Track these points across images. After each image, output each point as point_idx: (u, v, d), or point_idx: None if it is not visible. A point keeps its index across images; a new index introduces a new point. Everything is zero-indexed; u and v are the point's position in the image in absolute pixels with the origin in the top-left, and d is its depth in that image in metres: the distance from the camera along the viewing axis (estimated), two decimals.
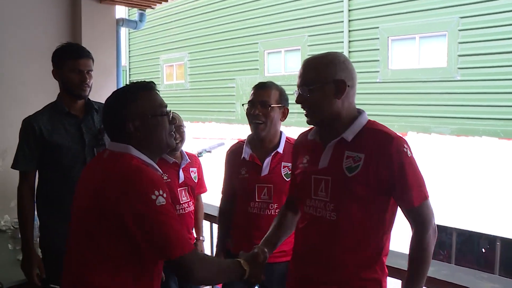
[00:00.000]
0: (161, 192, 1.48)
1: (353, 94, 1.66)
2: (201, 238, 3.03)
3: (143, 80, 1.68)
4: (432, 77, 8.45)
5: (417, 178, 1.59)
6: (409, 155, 1.57)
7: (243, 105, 2.44)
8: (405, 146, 1.57)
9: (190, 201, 2.85)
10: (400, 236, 2.03)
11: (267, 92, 2.33)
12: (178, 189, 2.79)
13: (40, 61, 3.91)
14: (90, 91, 2.52)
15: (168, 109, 1.67)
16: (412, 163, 1.58)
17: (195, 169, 2.93)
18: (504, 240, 7.80)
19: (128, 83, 1.76)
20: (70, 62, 2.45)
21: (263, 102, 2.31)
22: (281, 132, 2.44)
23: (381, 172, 1.55)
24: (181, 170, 2.81)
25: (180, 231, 1.53)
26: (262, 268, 1.80)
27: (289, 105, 2.41)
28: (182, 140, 2.83)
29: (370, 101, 8.57)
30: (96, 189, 1.54)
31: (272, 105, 2.30)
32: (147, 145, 1.61)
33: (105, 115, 1.65)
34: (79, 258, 1.57)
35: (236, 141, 2.66)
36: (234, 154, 2.50)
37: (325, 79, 1.61)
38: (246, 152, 2.42)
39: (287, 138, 2.44)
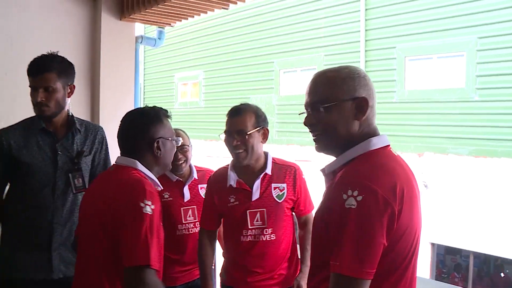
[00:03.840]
0: (150, 203, 1.59)
1: (373, 115, 1.40)
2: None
3: (160, 107, 1.92)
4: (450, 98, 8.36)
5: None
6: None
7: (219, 135, 2.37)
8: None
9: (198, 221, 2.65)
10: None
11: (242, 119, 2.26)
12: (183, 208, 2.63)
13: None
14: (58, 109, 2.29)
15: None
16: None
17: (206, 184, 2.73)
18: None
19: (143, 100, 1.91)
20: (29, 79, 2.29)
21: (240, 131, 2.24)
22: (266, 153, 2.36)
23: None
24: (186, 188, 2.66)
25: (152, 245, 1.55)
26: None
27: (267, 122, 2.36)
28: (186, 160, 2.68)
29: (387, 121, 8.48)
30: (98, 202, 1.70)
31: (249, 132, 2.22)
32: (158, 163, 1.82)
33: (129, 129, 1.83)
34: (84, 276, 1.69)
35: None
36: (219, 182, 2.39)
37: (343, 96, 1.35)
38: (232, 179, 2.33)
39: (273, 159, 2.36)
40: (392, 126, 8.47)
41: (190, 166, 2.73)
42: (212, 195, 2.41)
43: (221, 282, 2.47)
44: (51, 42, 3.87)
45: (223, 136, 2.33)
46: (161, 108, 1.92)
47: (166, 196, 2.60)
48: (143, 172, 1.76)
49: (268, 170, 2.30)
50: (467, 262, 8.43)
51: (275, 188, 2.28)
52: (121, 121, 1.89)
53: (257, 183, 2.29)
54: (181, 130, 2.72)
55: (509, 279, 8.03)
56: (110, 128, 4.03)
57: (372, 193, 1.20)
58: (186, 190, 2.66)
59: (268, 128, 2.34)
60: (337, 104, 1.35)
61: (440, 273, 8.74)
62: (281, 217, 2.27)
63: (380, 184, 1.21)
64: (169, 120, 1.91)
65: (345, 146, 1.36)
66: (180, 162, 2.62)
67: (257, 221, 2.27)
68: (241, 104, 2.36)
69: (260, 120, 2.29)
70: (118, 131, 1.87)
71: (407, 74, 9.06)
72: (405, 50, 9.02)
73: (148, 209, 1.58)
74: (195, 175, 2.71)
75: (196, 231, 2.62)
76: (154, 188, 1.72)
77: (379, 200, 1.19)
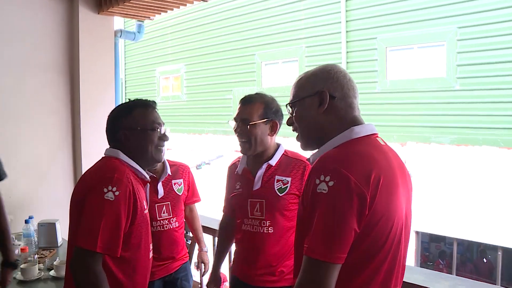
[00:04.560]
0: (115, 189, 1.61)
1: (347, 106, 1.40)
2: (204, 249, 2.93)
3: (146, 99, 1.91)
4: (431, 87, 8.43)
5: None
6: None
7: (228, 121, 2.34)
8: None
9: (172, 217, 2.66)
10: None
11: (249, 108, 2.21)
12: (157, 204, 2.60)
13: (38, 75, 3.86)
14: None
15: (163, 127, 1.89)
16: None
17: (181, 180, 2.75)
18: (506, 250, 7.75)
19: (124, 95, 1.91)
20: None
21: (244, 120, 2.20)
22: (278, 145, 2.32)
23: None
24: (160, 185, 2.62)
25: (103, 230, 1.57)
26: None
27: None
28: None
29: (369, 111, 8.52)
30: (76, 188, 1.77)
31: (252, 122, 2.18)
32: (135, 154, 1.82)
33: (107, 124, 1.90)
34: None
35: (235, 153, 2.58)
36: (232, 169, 2.41)
37: (304, 92, 1.42)
38: (240, 167, 2.33)
39: (285, 151, 2.32)
40: (375, 116, 8.51)
41: (163, 161, 2.64)
42: (227, 181, 2.45)
43: (230, 272, 2.51)
44: (28, 37, 3.80)
45: (232, 122, 2.27)
46: (141, 99, 1.91)
47: None
48: (125, 161, 1.79)
49: (273, 162, 2.25)
50: (451, 249, 8.55)
51: (278, 180, 2.22)
52: None
53: (260, 173, 2.25)
54: None
55: (492, 264, 8.17)
56: (91, 123, 4.00)
57: (343, 178, 1.21)
58: (160, 186, 2.62)
59: (277, 121, 2.25)
60: (300, 101, 1.43)
61: (424, 260, 8.85)
62: (281, 211, 2.21)
63: (353, 170, 1.22)
64: (150, 109, 1.88)
65: (321, 140, 1.40)
66: None
67: (256, 211, 2.24)
68: (255, 93, 2.29)
69: (269, 112, 2.22)
70: None
71: (388, 64, 9.10)
72: (386, 40, 9.05)
73: (110, 195, 1.61)
74: (168, 171, 2.65)
75: (171, 227, 2.65)
76: (129, 177, 1.72)
77: (351, 186, 1.20)
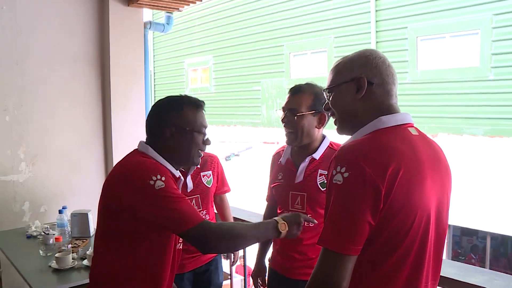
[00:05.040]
0: (159, 176, 1.58)
1: (384, 93, 1.37)
2: None
3: (196, 98, 1.84)
4: (464, 77, 8.23)
5: None
6: None
7: (276, 110, 2.31)
8: None
9: (202, 210, 2.63)
10: None
11: (297, 98, 2.15)
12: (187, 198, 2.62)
13: (68, 66, 3.91)
14: None
15: (207, 132, 1.83)
16: None
17: (209, 172, 2.70)
18: None
19: (153, 87, 1.85)
20: None
21: (291, 110, 2.15)
22: (324, 137, 2.26)
23: None
24: (189, 178, 2.58)
25: (184, 207, 1.59)
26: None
27: None
28: None
29: (399, 102, 8.33)
30: (106, 185, 1.71)
31: (300, 113, 2.12)
32: (173, 153, 1.75)
33: (150, 115, 1.81)
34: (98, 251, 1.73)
35: (261, 145, 2.55)
36: (276, 158, 2.38)
37: (342, 78, 1.39)
38: (284, 157, 2.29)
39: (330, 143, 2.26)
40: (405, 107, 8.31)
41: None
42: (270, 170, 2.42)
43: (269, 265, 2.46)
44: (59, 30, 3.86)
45: (280, 112, 2.22)
46: (191, 97, 1.83)
47: None
48: (153, 158, 1.72)
49: (317, 155, 2.19)
50: (483, 243, 8.37)
51: (321, 174, 2.17)
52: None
53: (303, 165, 2.20)
54: None
55: None
56: (121, 115, 4.05)
57: (358, 170, 1.19)
58: (189, 180, 2.58)
59: (326, 113, 2.17)
60: (336, 86, 1.40)
61: (456, 254, 8.69)
62: (322, 205, 2.18)
63: (369, 161, 1.19)
64: (200, 110, 1.81)
65: (355, 126, 1.37)
66: None
67: (297, 204, 2.21)
68: (305, 83, 2.22)
69: (319, 103, 2.13)
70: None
71: (419, 54, 8.92)
72: (417, 30, 8.87)
73: (159, 183, 1.58)
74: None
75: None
76: (156, 163, 1.68)
77: (365, 177, 1.18)
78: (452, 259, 8.48)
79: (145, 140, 1.80)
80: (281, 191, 2.29)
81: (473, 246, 8.61)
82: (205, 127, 1.82)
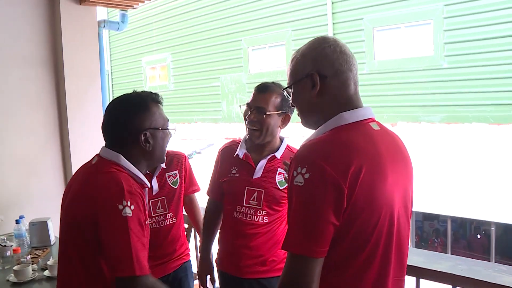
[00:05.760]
0: (129, 203, 1.47)
1: (340, 85, 1.32)
2: None
3: (149, 91, 1.73)
4: (419, 66, 8.41)
5: None
6: None
7: (240, 106, 2.29)
8: None
9: (168, 212, 2.49)
10: None
11: (266, 97, 2.15)
12: (151, 200, 2.45)
13: (20, 69, 3.76)
14: None
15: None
16: None
17: (175, 171, 2.56)
18: (498, 225, 7.83)
19: (111, 86, 1.74)
20: None
21: (260, 109, 2.14)
22: (282, 138, 2.28)
23: None
24: (154, 180, 2.46)
25: (139, 251, 1.47)
26: None
27: None
28: None
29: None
30: (73, 196, 1.60)
31: (268, 113, 2.13)
32: (147, 157, 1.67)
33: (110, 122, 1.66)
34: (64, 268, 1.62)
35: (225, 140, 2.52)
36: (227, 152, 2.34)
37: (297, 75, 1.37)
38: (241, 151, 2.26)
39: (287, 145, 2.28)
40: (364, 98, 8.28)
41: None
42: (217, 164, 2.37)
43: (217, 268, 2.40)
44: (8, 30, 3.70)
45: (243, 107, 2.22)
46: (150, 92, 1.73)
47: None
48: (126, 168, 1.61)
49: (278, 154, 2.21)
50: (444, 226, 8.61)
51: (280, 173, 2.19)
52: (105, 111, 1.71)
53: (263, 162, 2.21)
54: None
55: (485, 240, 8.24)
56: (78, 117, 3.93)
57: (319, 170, 1.16)
58: (154, 182, 2.46)
59: (290, 114, 2.20)
60: (294, 84, 1.38)
61: (419, 239, 8.92)
62: (278, 202, 2.19)
63: (330, 161, 1.17)
64: (160, 105, 1.73)
65: (318, 121, 1.34)
66: None
67: (253, 200, 2.20)
68: (272, 82, 2.21)
69: (285, 104, 2.15)
70: (102, 123, 1.69)
71: (376, 44, 9.06)
72: (372, 21, 9.00)
73: (128, 211, 1.47)
74: (162, 164, 2.46)
75: (167, 223, 2.49)
76: (134, 186, 1.56)
77: (327, 177, 1.15)
78: (415, 245, 8.70)
79: (107, 146, 1.67)
80: (235, 186, 2.26)
81: (435, 230, 8.85)
82: (168, 120, 1.76)
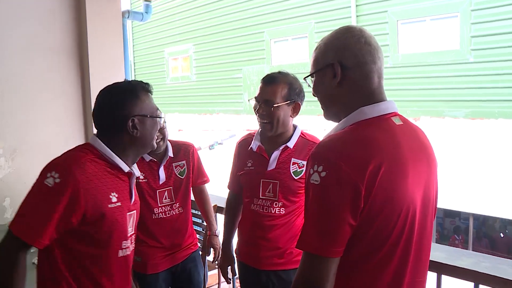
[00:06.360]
0: (57, 176, 1.50)
1: (363, 77, 1.29)
2: (216, 233, 2.72)
3: (140, 80, 1.75)
4: (444, 60, 8.27)
5: None
6: None
7: (249, 100, 2.28)
8: None
9: (175, 202, 2.51)
10: None
11: (273, 89, 2.13)
12: (158, 190, 2.46)
13: (45, 58, 3.81)
14: None
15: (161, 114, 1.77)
16: None
17: (183, 161, 2.57)
18: None
19: (134, 77, 1.75)
20: None
21: (267, 101, 2.13)
22: (295, 126, 2.26)
23: None
24: (161, 169, 2.48)
25: (36, 215, 1.50)
26: None
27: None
28: (163, 137, 2.47)
29: None
30: None
31: (276, 105, 2.11)
32: (136, 143, 1.68)
33: (100, 107, 1.69)
34: None
35: (246, 132, 2.52)
36: (243, 145, 2.35)
37: (319, 65, 1.34)
38: (255, 143, 2.27)
39: (302, 133, 2.26)
40: (387, 91, 8.25)
41: (166, 144, 2.53)
42: (235, 157, 2.39)
43: (237, 259, 2.42)
44: (34, 22, 3.75)
45: (252, 101, 2.21)
46: (141, 81, 1.74)
47: (141, 177, 2.45)
48: (101, 151, 1.63)
49: (290, 144, 2.20)
50: (465, 224, 8.50)
51: (294, 163, 2.17)
52: (95, 99, 1.74)
53: (276, 154, 2.20)
54: None
55: (509, 239, 8.11)
56: None
57: (336, 169, 1.13)
58: (161, 171, 2.49)
59: (299, 102, 2.19)
60: (315, 73, 1.35)
61: (439, 236, 8.82)
62: (294, 193, 2.18)
63: (348, 160, 1.14)
64: (150, 94, 1.74)
65: (339, 112, 1.32)
66: (158, 140, 2.40)
67: (268, 192, 2.20)
68: (278, 72, 2.20)
69: (293, 93, 2.15)
70: (92, 110, 1.72)
71: (400, 38, 8.94)
72: (397, 13, 8.87)
73: (50, 181, 1.51)
74: (170, 153, 2.52)
75: (174, 213, 2.51)
76: (85, 167, 1.56)
77: (343, 177, 1.12)
78: (436, 241, 8.61)
79: (97, 134, 1.70)
80: (251, 179, 2.27)
81: (456, 227, 8.74)
82: (158, 108, 1.76)
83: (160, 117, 1.75)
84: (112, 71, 4.06)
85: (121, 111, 1.64)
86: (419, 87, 8.62)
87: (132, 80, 1.76)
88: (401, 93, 8.65)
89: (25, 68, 3.69)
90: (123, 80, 4.13)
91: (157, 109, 1.75)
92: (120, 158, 1.66)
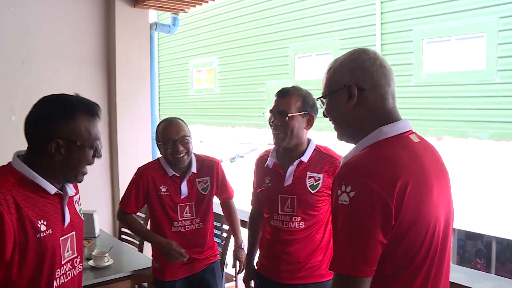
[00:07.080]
0: None
1: (380, 99, 1.30)
2: (242, 245, 2.78)
3: (90, 101, 1.53)
4: (470, 80, 8.19)
5: None
6: None
7: (264, 113, 2.30)
8: None
9: (196, 218, 2.56)
10: None
11: (287, 100, 2.17)
12: (179, 205, 2.52)
13: (74, 67, 3.92)
14: None
15: (99, 143, 1.52)
16: None
17: (206, 178, 2.60)
18: None
19: (158, 87, 1.62)
20: None
21: (282, 112, 2.16)
22: (309, 140, 2.28)
23: None
24: (184, 184, 2.53)
25: None
26: None
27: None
28: (188, 152, 2.50)
29: (404, 105, 8.35)
30: None
31: (290, 115, 2.14)
32: (58, 169, 1.47)
33: (28, 119, 1.48)
34: None
35: (267, 146, 2.55)
36: (260, 163, 2.38)
37: (334, 86, 1.34)
38: (271, 160, 2.29)
39: (316, 146, 2.28)
40: (410, 110, 8.34)
41: (190, 158, 2.55)
42: (254, 175, 2.41)
43: (257, 272, 2.44)
44: (65, 31, 3.86)
45: (267, 114, 2.24)
46: (90, 102, 1.52)
47: (164, 190, 2.52)
48: (20, 172, 1.44)
49: (305, 158, 2.22)
50: (488, 247, 8.32)
51: (310, 177, 2.18)
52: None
53: (291, 169, 2.21)
54: (179, 119, 2.55)
55: None
56: (127, 117, 4.05)
57: (365, 188, 1.13)
58: (184, 185, 2.54)
59: (313, 115, 2.21)
60: (329, 94, 1.36)
61: (460, 259, 8.65)
62: (313, 207, 2.19)
63: (376, 178, 1.14)
64: (95, 118, 1.51)
65: (354, 133, 1.33)
66: (182, 155, 2.47)
67: (287, 207, 2.21)
68: (292, 87, 2.25)
69: (307, 105, 2.18)
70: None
71: (424, 57, 8.89)
72: (422, 32, 8.84)
73: None
74: (193, 169, 2.56)
75: (193, 228, 2.56)
76: (4, 195, 1.36)
77: (373, 196, 1.13)
78: (457, 264, 8.44)
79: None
80: (269, 195, 2.29)
81: (478, 250, 8.56)
82: (99, 139, 1.53)
83: (97, 149, 1.51)
84: (139, 82, 4.15)
85: (47, 128, 1.44)
86: (443, 106, 8.54)
87: (81, 98, 1.54)
88: (424, 112, 8.59)
89: (53, 76, 3.79)
90: (149, 91, 4.21)
91: (97, 139, 1.51)
92: (45, 178, 1.47)
